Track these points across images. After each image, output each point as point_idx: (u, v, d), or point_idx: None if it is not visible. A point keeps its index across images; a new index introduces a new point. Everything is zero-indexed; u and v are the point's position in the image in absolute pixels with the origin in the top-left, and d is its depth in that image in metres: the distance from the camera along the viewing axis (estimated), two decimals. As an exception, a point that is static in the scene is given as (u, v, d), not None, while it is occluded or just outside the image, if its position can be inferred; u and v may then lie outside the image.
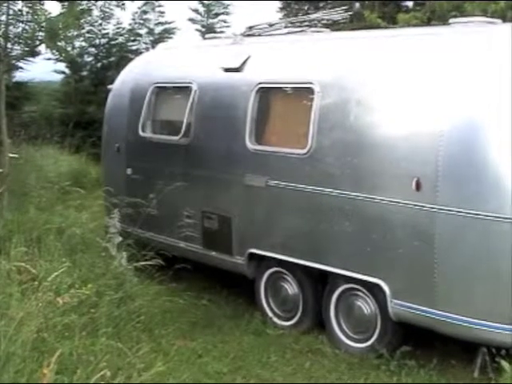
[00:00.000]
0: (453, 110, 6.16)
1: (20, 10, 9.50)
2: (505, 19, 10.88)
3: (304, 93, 7.33)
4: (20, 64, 13.54)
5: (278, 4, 24.29)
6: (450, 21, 6.88)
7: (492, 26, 6.67)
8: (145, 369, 5.23)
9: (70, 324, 5.50)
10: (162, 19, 21.44)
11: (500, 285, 5.86)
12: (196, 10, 22.29)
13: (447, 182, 6.07)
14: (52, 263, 6.64)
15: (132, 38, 21.00)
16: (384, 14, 19.41)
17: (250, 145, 7.70)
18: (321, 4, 23.16)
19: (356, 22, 17.75)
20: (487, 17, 8.11)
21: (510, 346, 5.92)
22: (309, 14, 17.31)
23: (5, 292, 5.62)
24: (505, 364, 5.69)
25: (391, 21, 17.29)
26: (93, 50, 20.40)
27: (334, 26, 9.27)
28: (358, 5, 21.68)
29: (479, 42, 6.36)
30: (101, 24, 20.21)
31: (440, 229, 6.10)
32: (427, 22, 14.78)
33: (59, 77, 20.80)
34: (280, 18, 22.59)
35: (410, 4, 21.41)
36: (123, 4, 15.05)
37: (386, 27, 14.99)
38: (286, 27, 8.80)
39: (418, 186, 6.19)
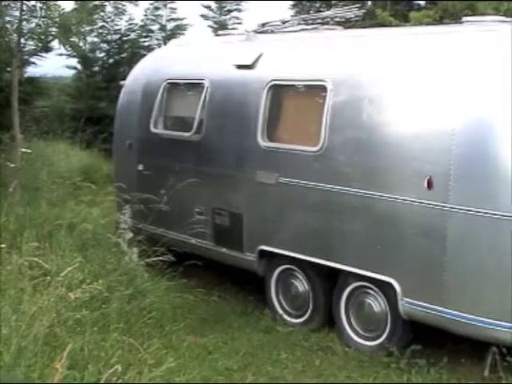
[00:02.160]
0: (465, 108, 6.15)
1: (34, 6, 9.53)
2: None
3: (316, 90, 7.32)
4: (33, 59, 13.57)
5: (290, 1, 24.21)
6: (463, 19, 6.87)
7: (504, 24, 6.64)
8: (155, 365, 5.25)
9: (82, 319, 5.53)
10: (174, 15, 21.43)
11: (511, 284, 5.85)
12: (208, 7, 22.27)
13: (459, 181, 6.06)
14: (63, 258, 6.68)
15: (144, 34, 21.00)
16: (396, 12, 19.36)
17: (262, 142, 7.70)
18: (332, 2, 23.10)
19: (368, 20, 17.69)
20: (500, 15, 8.09)
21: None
22: (321, 11, 17.28)
23: (17, 287, 5.66)
24: (515, 363, 5.70)
25: (403, 19, 17.25)
26: (105, 45, 20.44)
27: (346, 23, 9.26)
28: (369, 3, 21.61)
29: (492, 41, 6.34)
30: (113, 20, 20.26)
31: (451, 227, 6.10)
32: (439, 21, 14.74)
33: (71, 72, 20.85)
34: (292, 16, 22.57)
35: (422, 2, 21.35)
36: (136, 0, 15.07)
37: (397, 25, 14.97)
38: (298, 24, 8.80)
39: (430, 185, 6.18)
